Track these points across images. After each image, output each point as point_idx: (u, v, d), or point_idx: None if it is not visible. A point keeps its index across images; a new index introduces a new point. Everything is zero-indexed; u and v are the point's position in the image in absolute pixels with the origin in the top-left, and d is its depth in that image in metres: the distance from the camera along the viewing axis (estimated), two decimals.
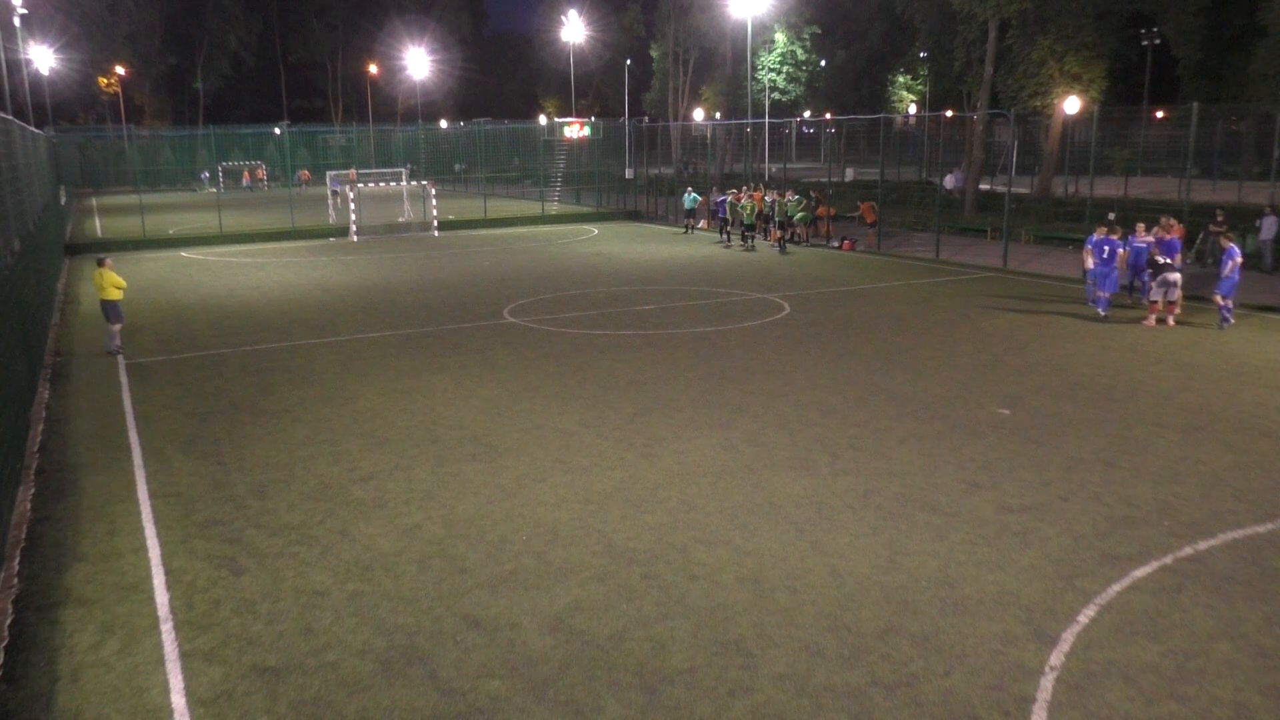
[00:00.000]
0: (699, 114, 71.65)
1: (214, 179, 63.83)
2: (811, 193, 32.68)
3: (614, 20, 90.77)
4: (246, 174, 68.61)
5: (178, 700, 6.55)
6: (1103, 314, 18.84)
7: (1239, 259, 17.81)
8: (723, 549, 8.68)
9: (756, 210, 31.21)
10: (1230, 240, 18.17)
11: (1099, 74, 36.93)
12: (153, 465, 11.25)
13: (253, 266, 28.68)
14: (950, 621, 7.37)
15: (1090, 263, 19.27)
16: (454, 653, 7.07)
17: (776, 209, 30.92)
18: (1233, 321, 17.93)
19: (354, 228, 35.57)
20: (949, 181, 44.23)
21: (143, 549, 8.93)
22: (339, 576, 8.30)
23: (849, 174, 54.07)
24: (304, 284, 25.01)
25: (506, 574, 8.29)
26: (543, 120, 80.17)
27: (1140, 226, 19.85)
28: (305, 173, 67.08)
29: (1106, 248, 18.79)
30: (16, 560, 8.68)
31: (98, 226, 41.67)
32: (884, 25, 71.78)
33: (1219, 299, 17.95)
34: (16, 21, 51.31)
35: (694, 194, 36.87)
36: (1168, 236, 18.94)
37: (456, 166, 66.08)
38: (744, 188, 34.30)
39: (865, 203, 31.64)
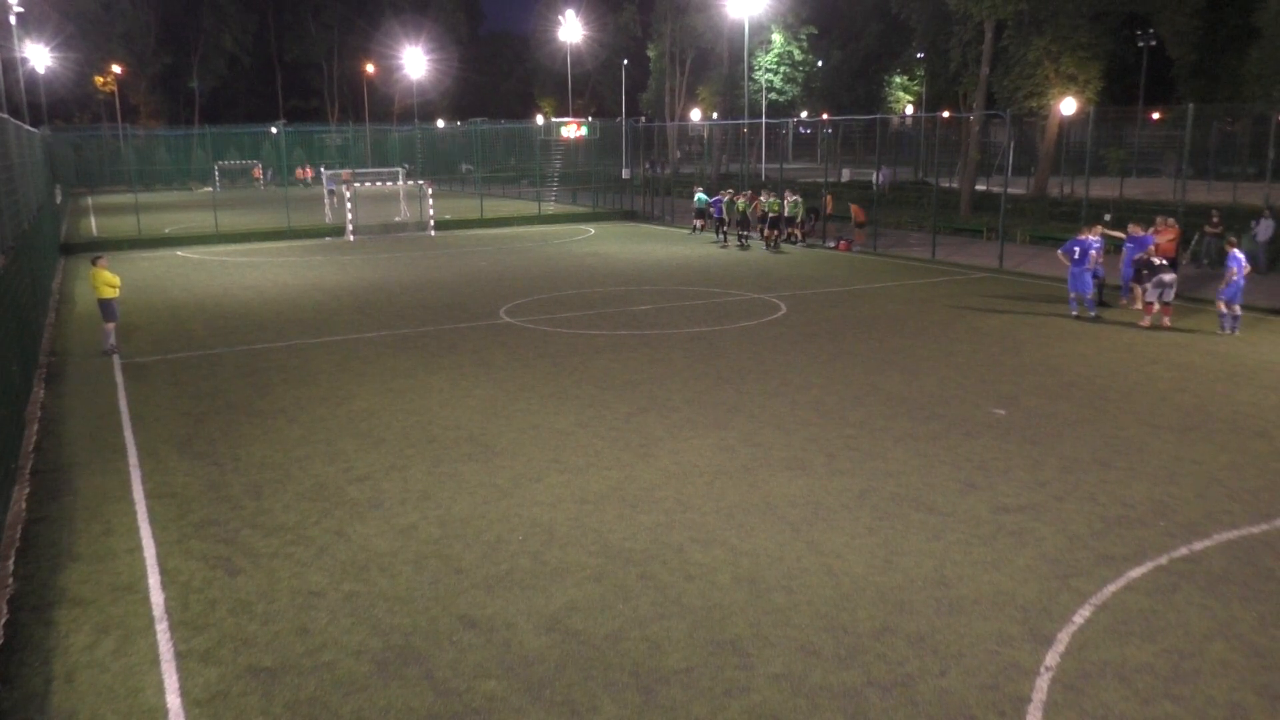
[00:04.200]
0: (696, 114, 71.66)
1: (276, 175, 64.94)
2: (785, 194, 32.63)
3: (610, 20, 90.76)
4: (256, 171, 69.55)
5: (173, 700, 6.54)
6: (1074, 314, 18.78)
7: (1241, 266, 17.07)
8: (719, 549, 8.69)
9: (752, 211, 31.26)
10: (1234, 245, 17.87)
11: (1095, 74, 36.97)
12: (148, 465, 11.24)
13: (248, 266, 28.64)
14: (946, 621, 7.38)
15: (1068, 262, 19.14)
16: (450, 653, 7.06)
17: (765, 209, 30.93)
18: (1233, 331, 17.28)
19: (350, 227, 35.54)
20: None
21: (138, 549, 8.92)
22: (335, 577, 8.29)
23: (845, 174, 54.13)
24: (300, 284, 24.98)
25: (502, 574, 8.29)
26: (539, 120, 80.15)
27: (1132, 227, 19.84)
28: (309, 170, 67.60)
29: (1077, 248, 18.48)
30: (11, 560, 8.67)
31: (93, 226, 41.57)
32: (880, 26, 71.83)
33: (1221, 305, 17.37)
34: (12, 20, 51.24)
35: (703, 194, 36.46)
36: (1141, 233, 18.97)
37: (464, 167, 65.92)
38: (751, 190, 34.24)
39: (855, 205, 31.72)
